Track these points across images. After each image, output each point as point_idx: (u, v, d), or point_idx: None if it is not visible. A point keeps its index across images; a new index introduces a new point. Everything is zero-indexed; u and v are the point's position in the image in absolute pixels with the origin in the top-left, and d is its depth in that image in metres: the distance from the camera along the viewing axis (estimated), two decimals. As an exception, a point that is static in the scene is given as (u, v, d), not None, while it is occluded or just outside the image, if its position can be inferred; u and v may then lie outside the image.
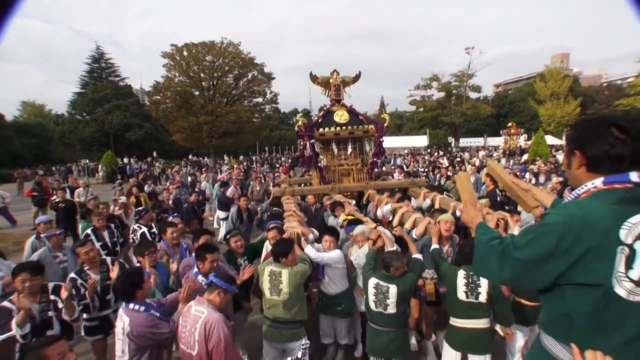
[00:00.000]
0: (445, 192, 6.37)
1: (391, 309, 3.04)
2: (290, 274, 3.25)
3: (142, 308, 2.67)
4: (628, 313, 1.22)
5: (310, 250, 3.70)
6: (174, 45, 29.22)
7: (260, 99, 33.42)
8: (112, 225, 5.55)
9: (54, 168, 29.92)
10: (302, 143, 7.15)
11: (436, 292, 3.89)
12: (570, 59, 64.24)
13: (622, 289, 1.20)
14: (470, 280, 3.04)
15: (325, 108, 7.40)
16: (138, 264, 3.80)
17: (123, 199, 7.70)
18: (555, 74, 39.87)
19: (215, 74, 30.24)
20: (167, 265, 3.92)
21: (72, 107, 42.37)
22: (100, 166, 25.43)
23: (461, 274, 3.09)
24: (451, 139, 42.39)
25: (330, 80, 7.13)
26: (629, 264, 1.19)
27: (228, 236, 4.39)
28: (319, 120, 7.04)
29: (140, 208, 6.35)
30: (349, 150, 7.09)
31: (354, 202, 6.16)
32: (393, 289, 3.01)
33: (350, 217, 4.62)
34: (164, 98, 30.03)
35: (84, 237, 4.87)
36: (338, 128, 6.80)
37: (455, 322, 3.12)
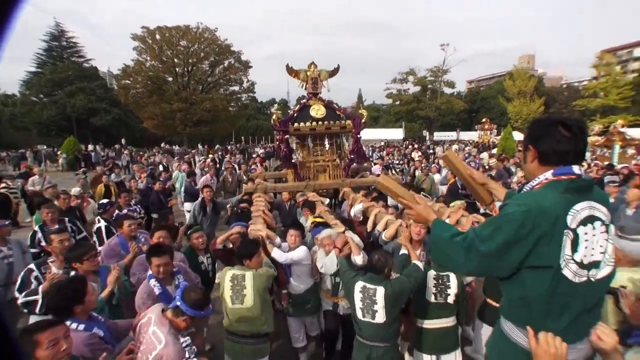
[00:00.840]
0: (422, 192, 6.23)
1: (380, 317, 2.76)
2: (255, 275, 2.94)
3: (82, 326, 2.19)
4: (574, 294, 1.33)
5: (277, 254, 3.55)
6: (145, 27, 28.08)
7: (236, 88, 33.00)
8: (66, 220, 4.81)
9: (4, 154, 26.99)
10: (278, 136, 6.92)
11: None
12: (535, 60, 67.29)
13: (569, 271, 1.31)
14: (440, 281, 2.97)
15: (302, 102, 7.21)
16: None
17: (75, 190, 6.71)
18: (522, 73, 42.39)
19: (190, 60, 29.43)
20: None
21: (26, 87, 38.58)
22: (60, 152, 23.66)
23: (431, 274, 2.99)
24: (426, 133, 43.39)
25: (308, 73, 6.85)
26: (574, 247, 1.31)
27: (189, 231, 4.02)
28: (295, 115, 6.72)
29: (104, 201, 5.79)
30: (326, 146, 6.83)
31: (327, 201, 5.89)
32: (380, 291, 2.75)
33: (318, 220, 4.32)
34: (134, 82, 28.94)
35: (30, 237, 4.42)
36: (314, 123, 6.51)
37: (423, 324, 3.04)
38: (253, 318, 2.91)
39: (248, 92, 34.21)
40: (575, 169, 1.37)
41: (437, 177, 9.67)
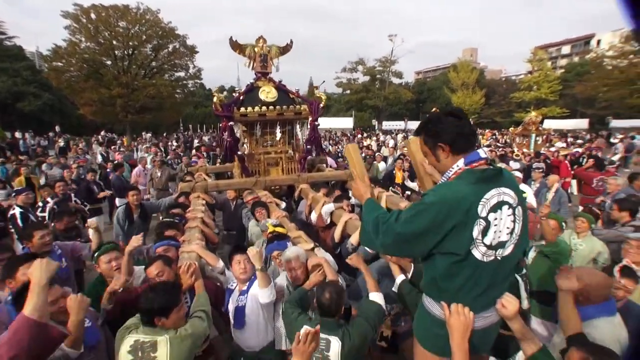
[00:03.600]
0: (390, 189, 5.43)
1: None
2: (174, 343, 1.91)
3: None
4: (482, 272, 1.49)
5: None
6: (78, 5, 25.64)
7: (182, 73, 31.27)
8: None
9: None
10: (221, 124, 5.81)
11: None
12: (478, 54, 71.51)
13: (478, 252, 1.46)
14: None
15: (249, 82, 6.18)
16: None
17: None
18: (465, 66, 45.05)
19: (130, 43, 27.31)
20: None
21: None
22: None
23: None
24: (375, 122, 44.66)
25: (255, 49, 5.88)
26: (484, 233, 1.45)
27: (97, 253, 2.80)
28: (241, 98, 5.77)
29: (19, 188, 5.43)
30: (277, 135, 5.98)
31: (283, 204, 5.02)
32: (335, 345, 2.01)
33: (278, 229, 3.39)
34: (67, 65, 26.33)
35: None
36: (264, 108, 5.65)
37: None
38: None
39: (195, 78, 32.61)
40: (482, 153, 1.52)
41: (382, 166, 10.17)
